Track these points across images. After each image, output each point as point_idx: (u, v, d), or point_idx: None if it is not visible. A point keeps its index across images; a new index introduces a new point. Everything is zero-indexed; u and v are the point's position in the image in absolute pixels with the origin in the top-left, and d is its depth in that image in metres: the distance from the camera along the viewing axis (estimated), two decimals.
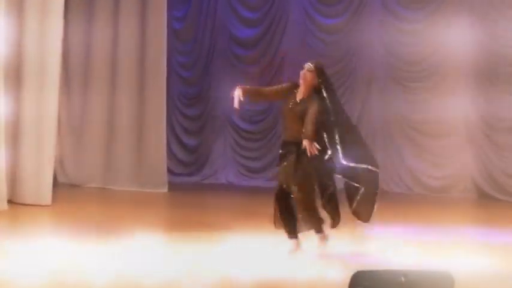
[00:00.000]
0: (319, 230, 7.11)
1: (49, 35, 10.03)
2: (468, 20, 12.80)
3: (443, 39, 12.94)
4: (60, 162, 12.22)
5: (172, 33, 13.79)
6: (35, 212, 9.48)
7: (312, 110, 6.79)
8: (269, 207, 11.20)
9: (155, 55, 12.22)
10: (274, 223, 7.27)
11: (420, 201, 12.34)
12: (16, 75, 10.01)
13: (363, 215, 7.16)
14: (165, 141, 12.37)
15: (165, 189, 12.04)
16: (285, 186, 7.07)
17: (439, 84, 13.09)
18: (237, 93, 7.11)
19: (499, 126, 12.70)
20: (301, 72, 7.01)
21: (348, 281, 3.35)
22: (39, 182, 9.98)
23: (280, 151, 7.10)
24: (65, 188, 11.63)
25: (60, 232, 8.12)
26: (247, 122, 14.37)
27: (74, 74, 12.55)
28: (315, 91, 6.96)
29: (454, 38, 12.80)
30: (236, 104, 7.10)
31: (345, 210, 7.21)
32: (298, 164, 6.87)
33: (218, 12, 14.36)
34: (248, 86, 7.51)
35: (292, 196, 7.04)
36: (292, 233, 7.09)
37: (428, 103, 13.19)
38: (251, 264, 6.65)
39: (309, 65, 6.99)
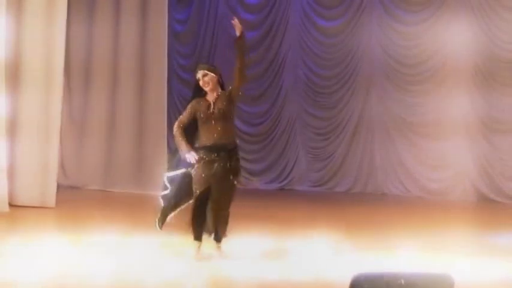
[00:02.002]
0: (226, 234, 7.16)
1: (53, 35, 10.07)
2: (467, 22, 12.83)
3: (442, 42, 12.98)
4: (61, 165, 12.24)
5: (173, 36, 13.84)
6: (39, 214, 9.51)
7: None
8: (268, 209, 11.26)
9: (156, 57, 12.26)
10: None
11: (419, 203, 12.37)
12: (20, 77, 10.04)
13: None
14: (166, 143, 12.39)
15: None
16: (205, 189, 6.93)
17: (438, 87, 13.12)
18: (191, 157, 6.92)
19: (498, 128, 12.73)
20: (204, 80, 7.00)
21: (347, 283, 3.38)
22: (43, 184, 10.02)
23: (205, 156, 6.92)
24: (66, 190, 11.66)
25: (63, 234, 8.14)
26: (247, 124, 14.40)
27: (75, 77, 12.59)
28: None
29: (453, 41, 12.83)
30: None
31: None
32: (229, 168, 6.99)
33: (219, 14, 14.40)
34: (184, 141, 7.04)
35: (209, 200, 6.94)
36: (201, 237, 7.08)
37: (427, 105, 13.22)
38: (251, 265, 6.67)
39: (204, 72, 7.05)
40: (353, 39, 13.71)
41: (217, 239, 7.11)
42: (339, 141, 13.85)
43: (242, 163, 14.06)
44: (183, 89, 14.56)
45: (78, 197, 11.61)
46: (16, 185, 9.98)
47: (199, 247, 6.97)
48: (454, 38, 12.83)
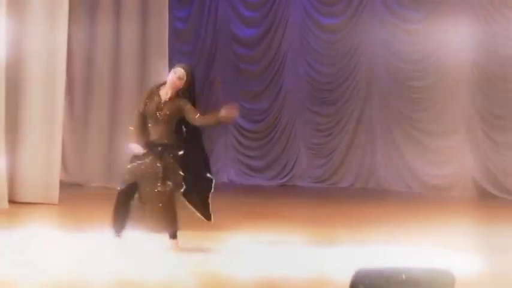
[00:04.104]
0: (175, 235, 7.02)
1: (55, 33, 10.08)
2: (468, 18, 12.85)
3: (443, 38, 13.00)
4: (63, 162, 12.26)
5: (174, 34, 13.85)
6: (42, 210, 9.53)
7: (189, 105, 6.83)
8: (269, 205, 11.28)
9: (157, 55, 12.27)
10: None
11: (420, 199, 12.39)
12: (22, 74, 10.06)
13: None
14: None
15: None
16: (133, 183, 6.87)
17: (439, 83, 13.15)
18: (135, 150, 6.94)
19: (499, 124, 12.76)
20: (174, 77, 6.86)
21: (349, 279, 3.40)
22: (46, 181, 10.03)
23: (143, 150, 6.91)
24: (68, 187, 11.67)
25: (65, 231, 8.15)
26: (249, 121, 14.43)
27: (76, 73, 12.60)
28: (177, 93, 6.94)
29: (454, 37, 12.85)
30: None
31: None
32: (164, 163, 6.85)
33: (219, 12, 14.43)
34: (136, 134, 7.09)
35: (138, 195, 6.86)
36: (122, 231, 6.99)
37: (428, 101, 13.25)
38: (252, 263, 6.68)
39: (181, 72, 6.89)
40: (354, 36, 13.73)
41: (169, 236, 7.01)
42: (340, 137, 13.88)
43: (243, 159, 14.31)
44: None
45: (80, 194, 11.62)
46: (19, 181, 9.99)
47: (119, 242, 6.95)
48: (454, 35, 12.85)
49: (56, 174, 10.17)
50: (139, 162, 6.91)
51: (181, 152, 6.95)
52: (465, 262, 6.83)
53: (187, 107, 6.84)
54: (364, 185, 13.62)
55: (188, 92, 6.96)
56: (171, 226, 6.97)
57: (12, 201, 9.75)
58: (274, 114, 14.24)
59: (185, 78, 6.91)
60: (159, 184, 6.85)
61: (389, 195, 12.86)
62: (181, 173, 6.96)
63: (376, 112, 13.61)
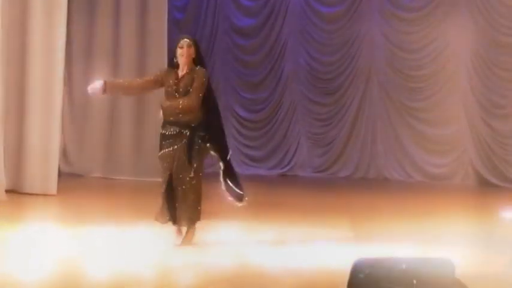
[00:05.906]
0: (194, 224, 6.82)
1: (54, 24, 10.06)
2: (467, 7, 12.83)
3: (442, 27, 12.97)
4: (63, 152, 12.28)
5: (174, 24, 13.81)
6: (40, 201, 9.52)
7: (199, 79, 6.67)
8: (269, 195, 11.26)
9: (156, 45, 12.26)
10: (158, 217, 6.87)
11: (421, 188, 12.39)
12: (21, 66, 10.05)
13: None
14: None
15: None
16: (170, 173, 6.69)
17: (439, 72, 13.13)
18: (97, 88, 6.96)
19: (499, 113, 12.74)
20: (183, 50, 6.70)
21: (349, 268, 3.40)
22: (44, 172, 10.03)
23: (165, 132, 6.71)
24: (68, 178, 11.68)
25: (63, 223, 8.15)
26: (248, 111, 14.41)
27: (76, 65, 12.60)
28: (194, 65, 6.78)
29: (453, 26, 12.82)
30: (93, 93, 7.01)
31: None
32: (192, 148, 6.66)
33: (218, 1, 14.39)
34: (113, 81, 7.37)
35: (179, 184, 6.67)
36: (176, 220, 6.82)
37: (428, 91, 13.24)
38: (252, 255, 6.66)
39: (187, 42, 6.73)
40: (353, 25, 13.71)
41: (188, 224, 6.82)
42: (340, 126, 13.86)
43: (244, 149, 14.30)
44: None
45: (80, 184, 11.62)
46: (17, 172, 9.99)
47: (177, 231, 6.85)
48: (454, 24, 12.82)
49: (54, 165, 10.17)
50: (169, 149, 6.71)
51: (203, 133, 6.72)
52: (465, 251, 6.83)
53: (195, 85, 6.66)
54: (365, 174, 13.61)
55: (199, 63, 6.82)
56: (195, 212, 6.79)
57: (9, 192, 9.74)
58: (273, 103, 14.22)
59: (193, 46, 6.77)
60: (188, 170, 6.67)
61: (389, 185, 12.86)
62: (212, 153, 6.86)
63: (376, 101, 13.60)
